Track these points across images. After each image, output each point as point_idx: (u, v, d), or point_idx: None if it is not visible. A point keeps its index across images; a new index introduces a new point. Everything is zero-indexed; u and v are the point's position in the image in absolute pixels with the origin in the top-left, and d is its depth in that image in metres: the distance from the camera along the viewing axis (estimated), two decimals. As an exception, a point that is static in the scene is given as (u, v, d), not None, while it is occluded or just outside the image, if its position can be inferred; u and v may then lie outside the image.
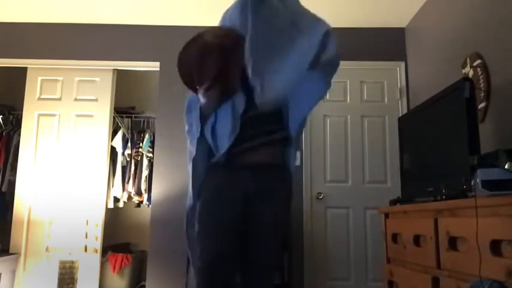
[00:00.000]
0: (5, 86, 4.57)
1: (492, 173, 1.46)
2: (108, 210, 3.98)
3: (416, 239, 2.04)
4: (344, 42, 3.76)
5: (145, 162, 4.21)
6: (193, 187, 1.63)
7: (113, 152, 4.18)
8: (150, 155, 4.18)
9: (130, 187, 4.20)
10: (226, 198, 1.59)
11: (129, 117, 4.53)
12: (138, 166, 4.23)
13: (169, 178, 3.61)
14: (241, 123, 1.59)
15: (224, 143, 1.59)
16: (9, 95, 4.47)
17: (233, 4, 1.76)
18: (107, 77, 3.90)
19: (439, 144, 2.21)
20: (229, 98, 1.61)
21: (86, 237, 3.40)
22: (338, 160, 3.60)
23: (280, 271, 3.18)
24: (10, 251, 3.57)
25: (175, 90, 3.75)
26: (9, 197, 3.92)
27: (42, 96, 3.87)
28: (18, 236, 3.62)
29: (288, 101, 1.63)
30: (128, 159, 4.26)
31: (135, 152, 4.27)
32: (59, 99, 3.86)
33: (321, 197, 3.55)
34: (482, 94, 2.42)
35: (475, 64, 2.51)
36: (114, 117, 4.12)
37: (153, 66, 3.86)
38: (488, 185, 1.44)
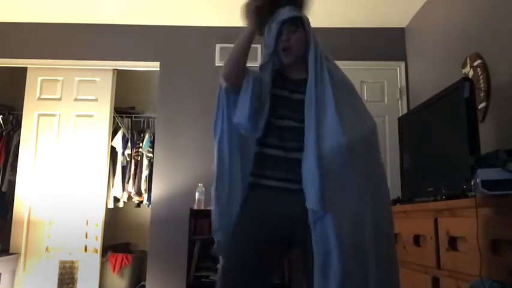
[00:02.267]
0: (5, 86, 4.57)
1: (492, 173, 1.45)
2: (108, 210, 3.98)
3: (416, 239, 2.04)
4: (344, 42, 3.77)
5: (145, 162, 4.21)
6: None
7: (113, 152, 4.18)
8: (150, 155, 4.18)
9: (130, 187, 4.20)
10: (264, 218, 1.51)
11: (129, 117, 4.53)
12: (138, 166, 4.23)
13: (169, 178, 3.61)
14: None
15: None
16: (9, 95, 4.47)
17: None
18: (107, 77, 3.90)
19: (439, 144, 2.21)
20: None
21: (86, 237, 3.40)
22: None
23: (280, 271, 3.18)
24: (10, 251, 3.57)
25: (175, 90, 3.76)
26: (9, 197, 3.92)
27: (42, 96, 3.87)
28: (18, 236, 3.62)
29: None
30: (128, 159, 4.27)
31: (135, 152, 4.27)
32: (59, 99, 3.86)
33: (321, 197, 3.55)
34: (482, 94, 2.42)
35: (475, 64, 2.51)
36: (114, 117, 4.12)
37: (153, 66, 3.86)
38: (488, 185, 1.44)
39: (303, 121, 1.51)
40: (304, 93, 1.55)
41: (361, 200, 1.40)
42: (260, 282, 1.48)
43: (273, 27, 1.59)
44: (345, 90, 1.58)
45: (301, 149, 1.48)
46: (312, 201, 1.38)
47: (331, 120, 1.46)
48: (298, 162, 1.47)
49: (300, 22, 1.60)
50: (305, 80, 1.57)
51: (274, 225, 1.48)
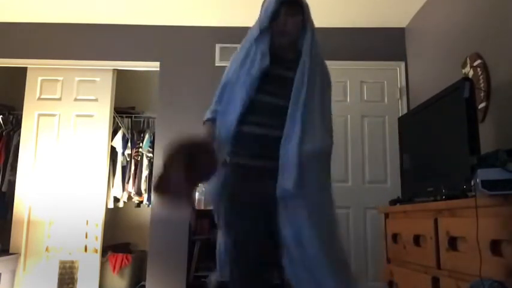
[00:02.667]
0: (5, 86, 4.57)
1: (492, 173, 1.45)
2: (108, 210, 3.98)
3: (416, 239, 2.04)
4: (344, 42, 3.77)
5: (145, 162, 4.21)
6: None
7: (113, 152, 4.18)
8: (150, 155, 4.18)
9: (130, 187, 4.20)
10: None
11: (129, 117, 4.53)
12: (138, 166, 4.23)
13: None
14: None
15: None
16: (9, 95, 4.47)
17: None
18: (107, 77, 3.90)
19: (439, 144, 2.21)
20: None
21: (86, 237, 3.40)
22: (338, 160, 3.60)
23: (280, 271, 3.18)
24: (10, 251, 3.57)
25: (175, 90, 3.76)
26: (9, 197, 3.92)
27: (42, 96, 3.87)
28: (18, 236, 3.62)
29: None
30: (128, 159, 4.26)
31: (135, 152, 4.27)
32: (59, 99, 3.86)
33: (321, 197, 3.55)
34: (482, 94, 2.42)
35: (475, 64, 2.51)
36: (114, 117, 4.12)
37: (153, 66, 3.86)
38: (488, 185, 1.44)
39: (285, 98, 1.54)
40: (292, 70, 1.57)
41: (322, 192, 1.54)
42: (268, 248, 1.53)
43: (271, 4, 1.56)
44: (326, 84, 1.64)
45: (282, 127, 1.51)
46: (288, 182, 1.47)
47: (317, 119, 1.54)
48: (279, 140, 1.51)
49: (298, 5, 1.58)
50: (294, 59, 1.59)
51: (264, 202, 1.53)
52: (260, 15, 1.61)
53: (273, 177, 1.50)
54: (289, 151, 1.48)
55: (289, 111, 1.51)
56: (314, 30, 1.62)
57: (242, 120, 1.55)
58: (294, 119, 1.50)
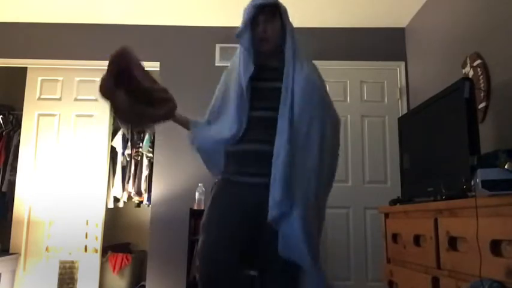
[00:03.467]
0: (5, 86, 4.57)
1: (492, 173, 1.46)
2: (108, 210, 3.97)
3: (416, 239, 2.04)
4: (344, 42, 3.77)
5: (145, 162, 4.21)
6: None
7: (113, 152, 4.18)
8: (150, 155, 4.18)
9: (130, 187, 4.20)
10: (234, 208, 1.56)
11: (129, 117, 4.51)
12: (138, 166, 4.23)
13: (169, 178, 3.61)
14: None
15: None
16: (9, 95, 4.47)
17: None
18: (107, 77, 3.89)
19: (439, 144, 2.21)
20: None
21: (86, 237, 3.40)
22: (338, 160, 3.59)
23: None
24: (10, 251, 3.57)
25: (175, 90, 3.75)
26: (9, 197, 3.92)
27: (42, 96, 3.87)
28: (18, 236, 3.62)
29: None
30: (128, 159, 4.26)
31: (135, 152, 4.26)
32: (59, 99, 3.86)
33: (321, 197, 3.55)
34: (482, 94, 2.42)
35: (475, 64, 2.51)
36: (114, 117, 4.12)
37: (153, 66, 3.85)
38: (488, 185, 1.44)
39: (274, 109, 1.52)
40: (278, 80, 1.55)
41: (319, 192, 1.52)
42: (234, 261, 1.50)
43: (249, 9, 1.56)
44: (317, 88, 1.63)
45: (271, 141, 1.49)
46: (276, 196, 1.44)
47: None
48: (269, 156, 1.49)
49: (276, 10, 1.57)
50: (279, 68, 1.57)
51: (246, 212, 1.52)
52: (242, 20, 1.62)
53: (264, 191, 1.48)
54: (279, 167, 1.46)
55: (278, 125, 1.50)
56: (294, 34, 1.60)
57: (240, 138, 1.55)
58: (282, 133, 1.48)
